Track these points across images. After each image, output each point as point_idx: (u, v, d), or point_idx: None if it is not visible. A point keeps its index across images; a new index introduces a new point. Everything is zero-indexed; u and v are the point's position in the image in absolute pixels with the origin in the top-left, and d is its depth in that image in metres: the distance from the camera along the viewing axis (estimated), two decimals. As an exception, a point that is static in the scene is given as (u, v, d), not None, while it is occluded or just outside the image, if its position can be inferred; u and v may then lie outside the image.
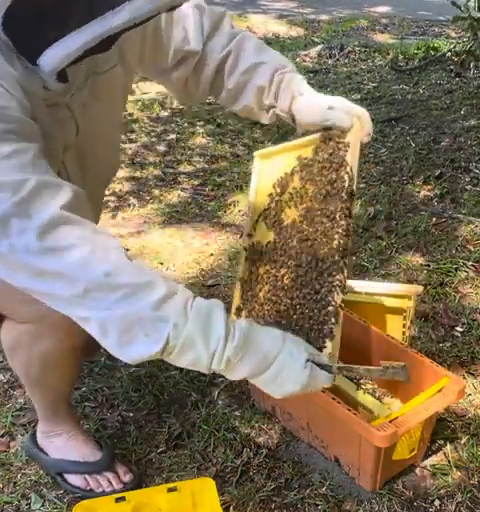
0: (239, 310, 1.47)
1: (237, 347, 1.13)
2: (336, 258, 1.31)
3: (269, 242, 1.47)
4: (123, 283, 1.09)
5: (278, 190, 1.50)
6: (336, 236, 1.32)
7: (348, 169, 1.37)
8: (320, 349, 1.26)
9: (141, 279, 1.11)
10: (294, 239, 1.41)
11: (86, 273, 1.07)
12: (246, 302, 1.46)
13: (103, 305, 1.09)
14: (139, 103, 4.54)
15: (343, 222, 1.33)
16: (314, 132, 1.48)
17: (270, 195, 1.51)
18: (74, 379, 1.60)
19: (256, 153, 1.61)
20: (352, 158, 1.38)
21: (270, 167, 1.55)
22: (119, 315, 1.09)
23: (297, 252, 1.39)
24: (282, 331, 1.21)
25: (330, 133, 1.43)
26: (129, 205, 3.14)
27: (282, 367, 1.17)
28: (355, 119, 1.41)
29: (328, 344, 1.27)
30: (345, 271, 1.31)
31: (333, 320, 1.28)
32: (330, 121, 1.42)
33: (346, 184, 1.35)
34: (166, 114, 4.40)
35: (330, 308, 1.28)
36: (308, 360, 1.18)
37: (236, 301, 1.49)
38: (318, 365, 1.19)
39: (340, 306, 1.29)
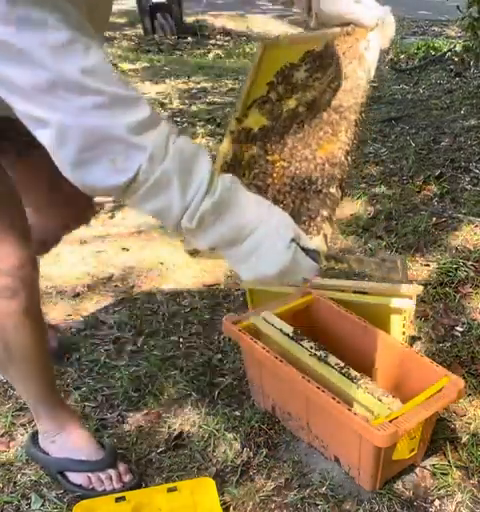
0: None
1: (216, 203, 0.97)
2: (340, 151, 1.20)
3: (262, 127, 1.31)
4: (100, 89, 0.91)
5: (280, 79, 1.36)
6: (343, 128, 1.22)
7: (366, 66, 1.26)
8: None
9: (123, 92, 0.94)
10: (292, 128, 1.28)
11: (57, 61, 0.88)
12: None
13: (69, 108, 0.90)
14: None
15: (353, 117, 1.22)
16: (329, 28, 1.36)
17: (270, 83, 1.36)
18: (40, 353, 1.49)
19: (261, 41, 1.48)
20: (372, 58, 1.27)
21: (274, 56, 1.41)
22: (85, 126, 0.91)
23: (294, 141, 1.25)
24: (269, 202, 1.05)
25: (350, 29, 1.32)
26: (129, 205, 3.13)
27: (262, 241, 1.00)
28: (380, 20, 1.29)
29: (318, 237, 1.11)
30: (349, 167, 1.19)
31: (326, 214, 1.13)
32: (354, 15, 1.29)
33: (362, 82, 1.25)
34: (166, 114, 4.41)
35: (327, 201, 1.15)
36: (293, 240, 1.01)
37: None
38: (303, 250, 1.03)
39: (338, 200, 1.16)
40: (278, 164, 1.24)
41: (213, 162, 1.04)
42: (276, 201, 1.17)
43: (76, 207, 1.71)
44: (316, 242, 1.10)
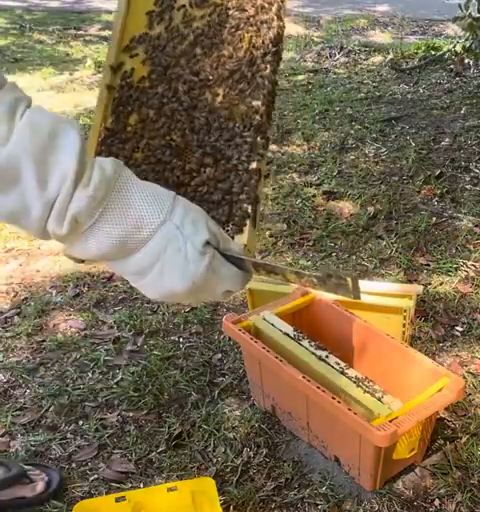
0: None
1: (93, 198, 0.70)
2: (256, 106, 0.93)
3: (145, 78, 0.99)
4: None
5: (163, 5, 1.02)
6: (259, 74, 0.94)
7: None
8: None
9: None
10: (187, 69, 0.99)
11: None
12: None
13: None
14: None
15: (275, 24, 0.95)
16: None
17: (150, 14, 1.02)
18: None
19: None
20: None
21: None
22: None
23: (192, 92, 0.96)
24: (173, 192, 0.78)
25: None
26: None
27: (164, 246, 0.74)
28: None
29: (243, 232, 0.87)
30: (269, 123, 0.94)
31: (249, 197, 0.88)
32: None
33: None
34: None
35: (252, 181, 0.89)
36: (208, 243, 0.76)
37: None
38: (223, 256, 0.77)
39: (260, 179, 0.90)
40: (178, 132, 0.96)
41: (85, 138, 0.76)
42: (180, 187, 0.91)
43: None
44: (242, 241, 0.86)
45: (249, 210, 0.88)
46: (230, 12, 1.01)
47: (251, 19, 1.00)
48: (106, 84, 1.00)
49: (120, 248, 0.74)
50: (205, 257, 0.75)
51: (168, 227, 0.74)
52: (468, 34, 4.43)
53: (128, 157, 0.95)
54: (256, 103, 0.94)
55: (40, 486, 1.55)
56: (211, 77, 0.98)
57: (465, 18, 4.24)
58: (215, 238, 0.77)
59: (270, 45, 0.97)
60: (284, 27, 1.00)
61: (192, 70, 0.99)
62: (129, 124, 0.97)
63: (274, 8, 1.00)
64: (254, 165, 0.91)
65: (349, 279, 0.72)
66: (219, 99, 0.96)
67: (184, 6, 1.01)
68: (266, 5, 1.00)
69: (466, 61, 4.78)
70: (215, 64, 0.98)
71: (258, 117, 0.93)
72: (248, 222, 0.87)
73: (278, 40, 0.98)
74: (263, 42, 0.98)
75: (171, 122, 0.96)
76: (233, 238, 0.85)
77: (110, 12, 7.49)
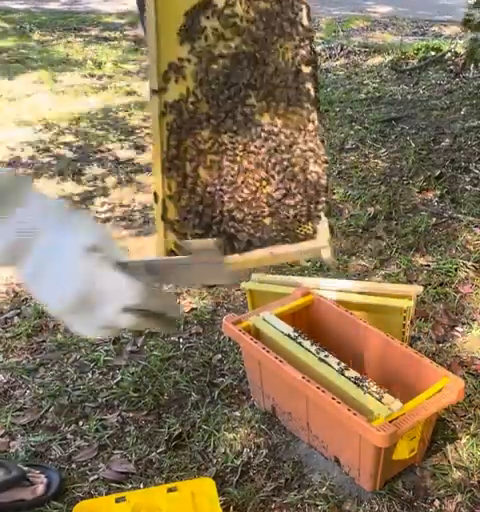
0: (170, 200, 1.01)
1: None
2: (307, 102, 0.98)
3: (193, 102, 1.01)
4: None
5: (189, 28, 1.03)
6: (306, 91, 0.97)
7: None
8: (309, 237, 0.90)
9: None
10: (236, 87, 1.02)
11: None
12: (181, 191, 1.00)
13: None
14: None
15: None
16: None
17: (182, 36, 1.03)
18: None
19: None
20: None
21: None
22: None
23: (244, 108, 0.99)
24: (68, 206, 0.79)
25: None
26: (129, 205, 3.14)
27: (52, 250, 0.75)
28: None
29: (320, 228, 0.92)
30: (322, 124, 0.98)
31: (323, 197, 0.93)
32: None
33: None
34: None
35: (322, 181, 0.94)
36: (96, 250, 0.76)
37: (160, 190, 1.00)
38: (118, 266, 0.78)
39: (328, 178, 0.95)
40: (240, 158, 0.98)
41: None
42: (257, 203, 0.95)
43: None
44: (324, 239, 0.89)
45: (323, 215, 0.92)
46: (261, 27, 1.02)
47: (286, 33, 1.01)
48: (161, 111, 1.01)
49: (10, 250, 0.75)
50: (88, 261, 0.75)
51: (56, 233, 0.76)
52: (469, 36, 4.41)
53: (193, 176, 0.99)
54: (306, 111, 0.97)
55: (40, 489, 1.56)
56: (260, 92, 1.00)
57: (473, 20, 4.23)
58: (102, 247, 0.77)
59: (309, 53, 0.99)
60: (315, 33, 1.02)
61: (240, 87, 1.01)
62: (188, 146, 1.00)
63: (303, 14, 1.00)
64: (317, 168, 0.95)
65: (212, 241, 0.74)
66: (271, 113, 0.99)
67: (216, 29, 1.02)
68: (294, 17, 1.01)
69: (467, 64, 4.77)
70: (260, 79, 1.01)
71: (311, 124, 0.96)
72: (322, 221, 0.92)
73: (313, 47, 1.00)
74: (300, 52, 1.00)
75: (228, 140, 0.99)
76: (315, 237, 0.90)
77: (110, 14, 7.50)
